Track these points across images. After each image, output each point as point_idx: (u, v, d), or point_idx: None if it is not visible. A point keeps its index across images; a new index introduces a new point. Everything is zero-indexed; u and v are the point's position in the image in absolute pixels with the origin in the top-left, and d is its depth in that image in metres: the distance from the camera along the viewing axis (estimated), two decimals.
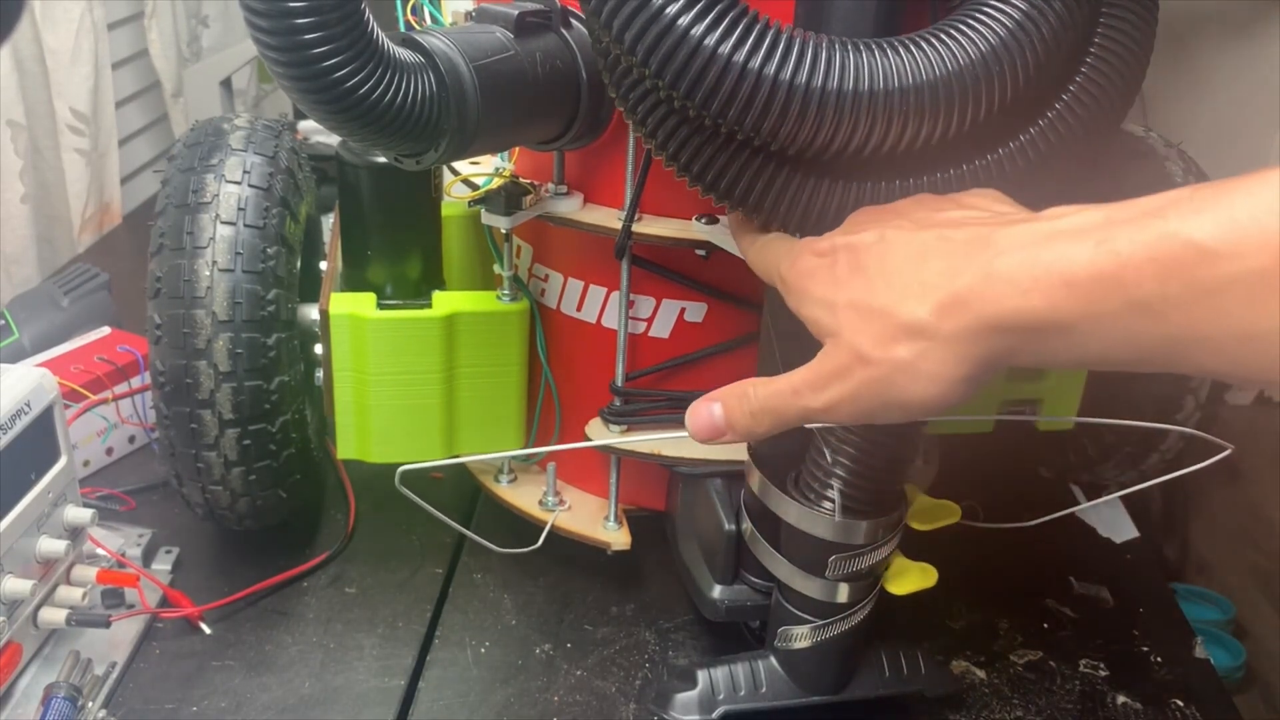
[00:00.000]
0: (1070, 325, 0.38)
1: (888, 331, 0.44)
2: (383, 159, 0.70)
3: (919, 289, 0.43)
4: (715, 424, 0.51)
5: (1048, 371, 0.79)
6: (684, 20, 0.48)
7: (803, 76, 0.49)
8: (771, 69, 0.49)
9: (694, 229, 0.69)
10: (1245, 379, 0.36)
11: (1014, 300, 0.39)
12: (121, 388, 0.90)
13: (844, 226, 0.50)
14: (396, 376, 0.72)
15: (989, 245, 0.41)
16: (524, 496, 0.80)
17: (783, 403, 0.49)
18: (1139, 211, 0.37)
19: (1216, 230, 0.34)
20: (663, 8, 0.49)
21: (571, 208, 0.72)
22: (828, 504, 0.60)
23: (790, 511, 0.62)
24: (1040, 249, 0.39)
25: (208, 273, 0.69)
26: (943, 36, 0.51)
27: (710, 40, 0.48)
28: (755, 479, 0.65)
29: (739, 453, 0.69)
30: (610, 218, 0.71)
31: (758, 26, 0.49)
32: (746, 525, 0.67)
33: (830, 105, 0.49)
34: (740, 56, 0.48)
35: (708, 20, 0.48)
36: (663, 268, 0.72)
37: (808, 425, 0.53)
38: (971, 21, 0.51)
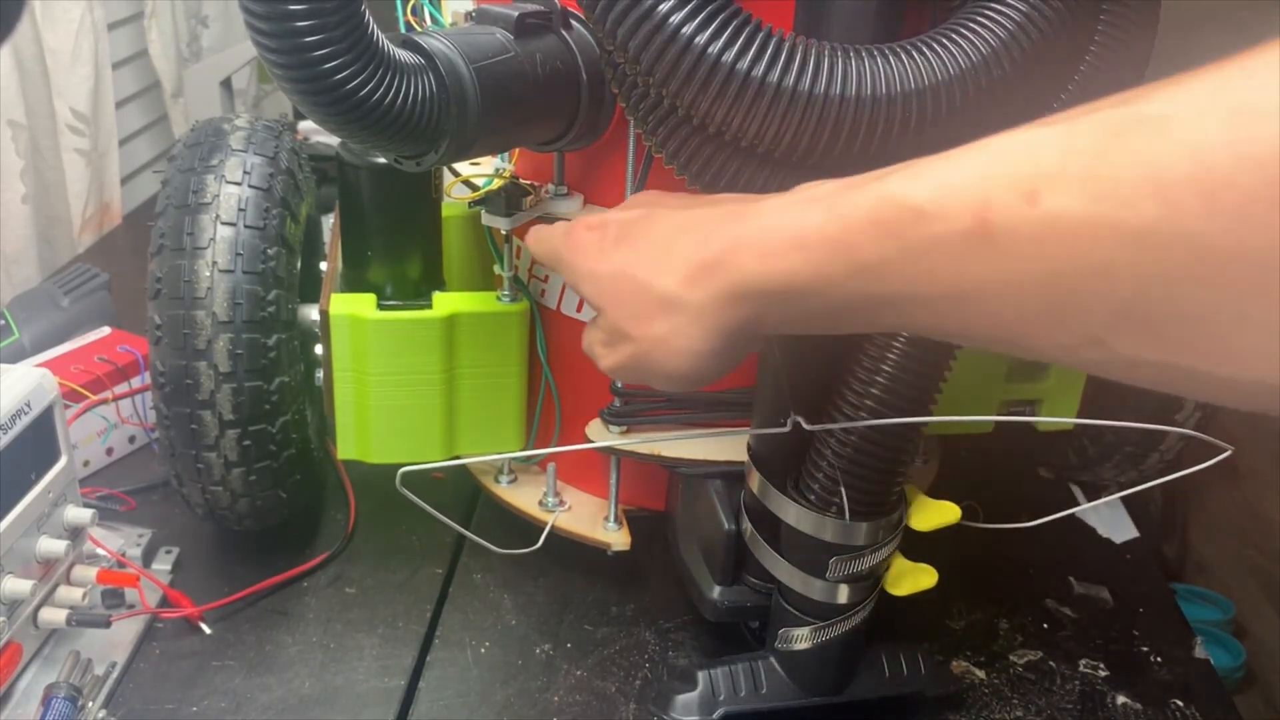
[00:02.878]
0: (804, 289, 0.39)
1: (645, 305, 0.46)
2: (383, 159, 0.70)
3: (673, 260, 0.45)
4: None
5: (1048, 371, 0.79)
6: (675, 19, 0.49)
7: (790, 79, 0.49)
8: (759, 70, 0.49)
9: None
10: (964, 338, 0.36)
11: (755, 265, 0.40)
12: (121, 388, 0.90)
13: (621, 205, 0.53)
14: (396, 377, 0.72)
15: (740, 218, 0.43)
16: (524, 497, 0.80)
17: (590, 354, 0.53)
18: (870, 178, 0.38)
19: (929, 193, 0.34)
20: (653, 6, 0.49)
21: (572, 208, 0.72)
22: (831, 506, 0.60)
23: (790, 513, 0.62)
24: (780, 216, 0.40)
25: (208, 273, 0.69)
26: (934, 46, 0.51)
27: (700, 40, 0.49)
28: (755, 480, 0.65)
29: (739, 453, 0.69)
30: None
31: (748, 28, 0.49)
32: (746, 526, 0.67)
33: (816, 107, 0.49)
34: (729, 57, 0.49)
35: (698, 20, 0.49)
36: None
37: None
38: (965, 30, 0.51)
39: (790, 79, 0.49)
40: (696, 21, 0.49)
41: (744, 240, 0.42)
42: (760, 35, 0.49)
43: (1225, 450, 0.57)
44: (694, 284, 0.43)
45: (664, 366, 0.46)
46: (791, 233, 0.39)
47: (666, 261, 0.45)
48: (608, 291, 0.49)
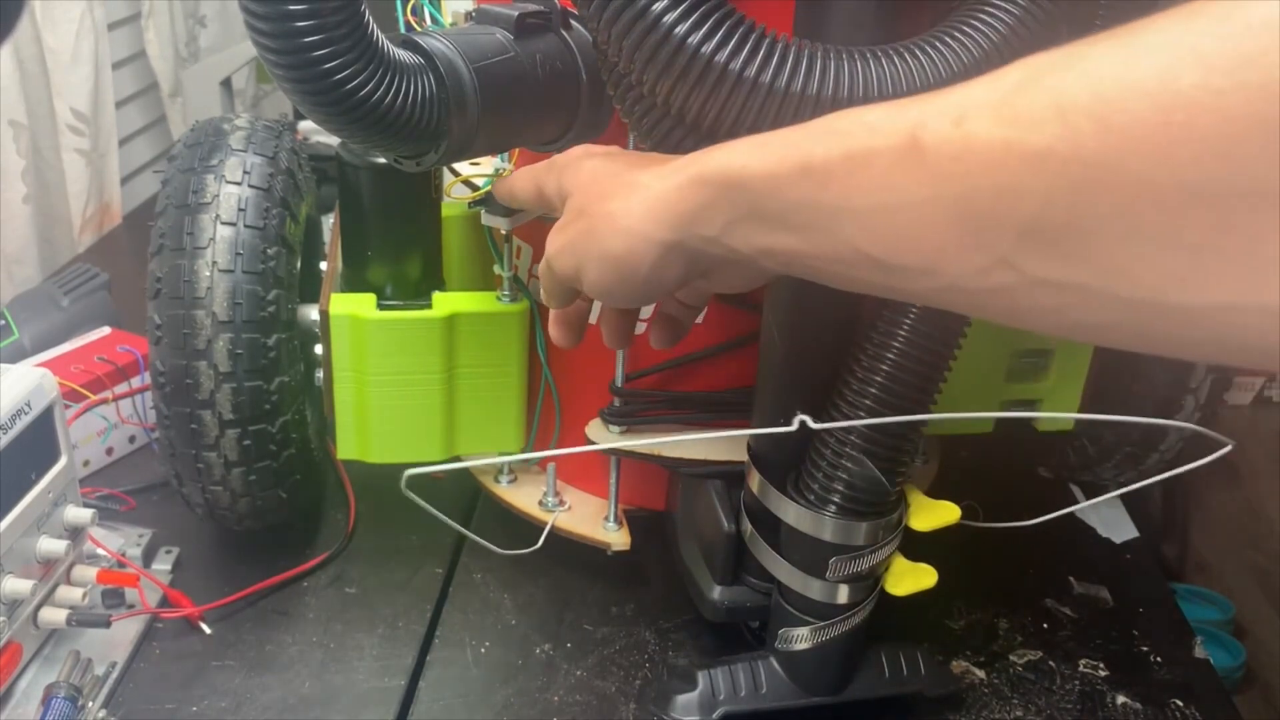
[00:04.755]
0: (753, 181, 0.41)
1: (613, 185, 0.48)
2: (383, 159, 0.70)
3: (657, 161, 0.48)
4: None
5: (1048, 371, 0.79)
6: (668, 18, 0.48)
7: (782, 80, 0.49)
8: (752, 71, 0.48)
9: None
10: (885, 266, 0.37)
11: (719, 156, 0.43)
12: (121, 388, 0.90)
13: None
14: (396, 377, 0.72)
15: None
16: (524, 497, 0.80)
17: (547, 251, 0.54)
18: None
19: (880, 112, 0.37)
20: (647, 5, 0.49)
21: None
22: (831, 505, 0.60)
23: (790, 512, 0.62)
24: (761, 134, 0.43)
25: (208, 273, 0.69)
26: (930, 47, 0.51)
27: (694, 39, 0.48)
28: (755, 480, 0.65)
29: (739, 453, 0.69)
30: None
31: (741, 28, 0.49)
32: (746, 526, 0.67)
33: (809, 109, 0.49)
34: (722, 57, 0.49)
35: (692, 20, 0.48)
36: None
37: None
38: (960, 31, 0.51)
39: (783, 80, 0.49)
40: (690, 21, 0.48)
41: (721, 145, 0.44)
42: (754, 36, 0.49)
43: (1225, 446, 0.57)
44: (664, 175, 0.46)
45: (602, 243, 0.48)
46: (760, 136, 0.42)
47: (649, 161, 0.49)
48: (585, 178, 0.51)
